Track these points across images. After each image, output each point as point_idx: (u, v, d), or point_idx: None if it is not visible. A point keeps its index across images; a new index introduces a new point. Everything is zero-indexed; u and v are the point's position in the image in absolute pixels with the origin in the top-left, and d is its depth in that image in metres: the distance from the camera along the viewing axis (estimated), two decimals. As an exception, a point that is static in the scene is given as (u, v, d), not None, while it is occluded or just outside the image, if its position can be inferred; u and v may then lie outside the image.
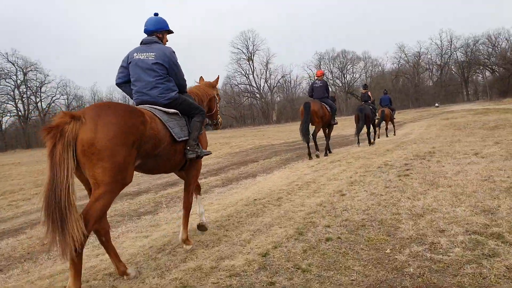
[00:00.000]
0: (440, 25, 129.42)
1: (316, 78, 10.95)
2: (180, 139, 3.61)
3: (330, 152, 11.15)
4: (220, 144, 23.21)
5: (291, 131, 33.29)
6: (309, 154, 10.22)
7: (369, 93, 14.91)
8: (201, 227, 4.29)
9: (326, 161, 9.72)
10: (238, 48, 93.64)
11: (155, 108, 3.58)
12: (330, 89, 10.69)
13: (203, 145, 4.10)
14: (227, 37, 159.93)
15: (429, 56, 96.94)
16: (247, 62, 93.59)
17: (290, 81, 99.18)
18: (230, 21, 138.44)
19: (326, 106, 10.32)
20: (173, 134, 3.52)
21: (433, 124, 24.80)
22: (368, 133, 13.43)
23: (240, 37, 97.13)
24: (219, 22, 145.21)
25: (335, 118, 10.80)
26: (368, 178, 6.75)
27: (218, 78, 4.99)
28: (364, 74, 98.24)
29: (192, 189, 4.14)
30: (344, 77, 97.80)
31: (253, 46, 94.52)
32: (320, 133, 11.37)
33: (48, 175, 2.69)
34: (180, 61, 3.95)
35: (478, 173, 5.89)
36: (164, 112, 3.61)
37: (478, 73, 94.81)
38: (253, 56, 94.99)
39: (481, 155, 7.65)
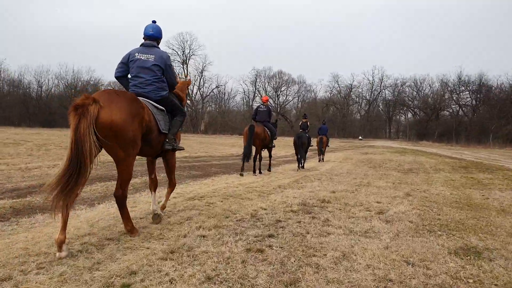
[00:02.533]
0: (374, 62, 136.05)
1: (261, 103, 11.80)
2: (163, 132, 4.34)
3: (269, 170, 11.81)
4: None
5: (211, 144, 30.61)
6: (242, 170, 10.78)
7: (308, 122, 16.26)
8: (156, 218, 4.64)
9: (183, 197, 7.07)
10: (173, 49, 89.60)
11: (148, 102, 4.23)
12: (272, 114, 11.61)
13: (178, 141, 4.82)
14: (164, 37, 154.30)
15: (360, 90, 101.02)
16: (181, 66, 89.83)
17: (224, 92, 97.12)
18: (170, 21, 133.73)
19: (267, 130, 11.07)
20: (159, 126, 4.26)
21: (350, 157, 23.59)
22: (300, 158, 13.97)
23: (177, 38, 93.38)
24: (158, 19, 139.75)
25: (273, 142, 11.51)
26: (203, 245, 4.08)
27: (190, 79, 5.99)
28: (297, 98, 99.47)
29: (173, 175, 5.04)
30: (278, 98, 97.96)
31: (190, 50, 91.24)
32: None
33: (70, 148, 3.24)
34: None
35: (370, 266, 3.44)
36: (154, 106, 4.28)
37: (402, 113, 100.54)
38: (188, 60, 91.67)
39: (385, 217, 5.44)
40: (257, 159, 11.04)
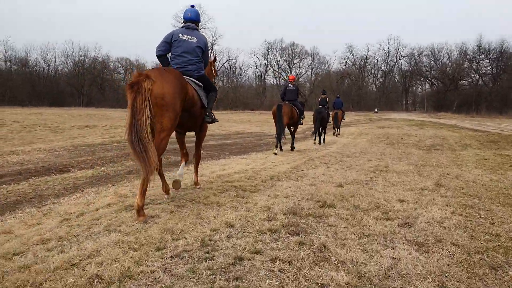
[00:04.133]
0: (389, 31, 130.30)
1: (289, 82, 11.77)
2: (204, 106, 4.76)
3: (293, 148, 11.71)
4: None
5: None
6: (277, 146, 10.89)
7: (327, 98, 16.06)
8: (175, 184, 4.97)
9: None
10: (181, 23, 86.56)
11: (189, 79, 4.58)
12: (301, 92, 11.98)
13: None
14: (171, 10, 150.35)
15: (376, 61, 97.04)
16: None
17: (236, 66, 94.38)
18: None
19: (295, 108, 11.09)
20: (203, 100, 4.72)
21: (365, 132, 21.59)
22: (321, 133, 14.52)
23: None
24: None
25: (301, 120, 11.60)
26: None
27: (215, 57, 6.24)
28: (310, 71, 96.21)
29: (201, 145, 5.36)
30: (291, 71, 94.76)
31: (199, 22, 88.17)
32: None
33: (130, 121, 3.63)
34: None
35: None
36: (195, 83, 4.66)
37: (419, 84, 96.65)
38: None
39: (415, 235, 3.59)
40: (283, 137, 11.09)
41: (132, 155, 3.65)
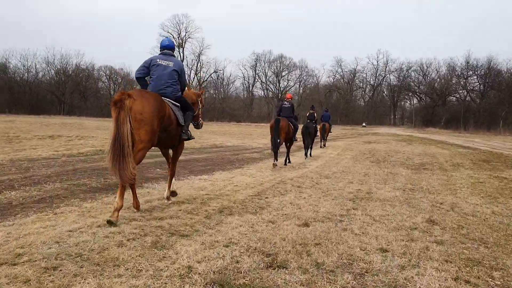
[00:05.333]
0: (378, 46, 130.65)
1: (285, 99, 12.04)
2: (180, 124, 5.18)
3: (289, 162, 12.06)
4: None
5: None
6: (276, 159, 10.93)
7: (315, 113, 16.43)
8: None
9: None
10: (168, 32, 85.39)
11: (167, 100, 5.04)
12: (294, 109, 12.06)
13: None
14: (158, 18, 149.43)
15: (364, 75, 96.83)
16: (177, 49, 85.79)
17: (223, 77, 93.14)
18: (166, 4, 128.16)
19: (291, 124, 11.32)
20: (179, 119, 5.13)
21: (350, 147, 20.36)
22: (309, 147, 14.71)
23: (172, 20, 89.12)
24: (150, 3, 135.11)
25: (295, 136, 11.90)
26: None
27: (203, 91, 7.04)
28: (299, 84, 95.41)
29: (177, 161, 5.77)
30: (279, 83, 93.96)
31: (186, 32, 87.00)
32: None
33: (114, 132, 4.16)
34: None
35: None
36: (172, 103, 5.11)
37: (407, 99, 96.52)
38: (185, 43, 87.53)
39: None
40: (279, 150, 11.27)
41: (110, 162, 4.12)
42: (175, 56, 5.47)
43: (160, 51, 5.40)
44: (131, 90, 4.59)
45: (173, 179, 5.74)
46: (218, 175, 8.47)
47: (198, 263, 3.08)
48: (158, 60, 5.16)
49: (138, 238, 3.63)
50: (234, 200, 5.72)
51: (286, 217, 4.82)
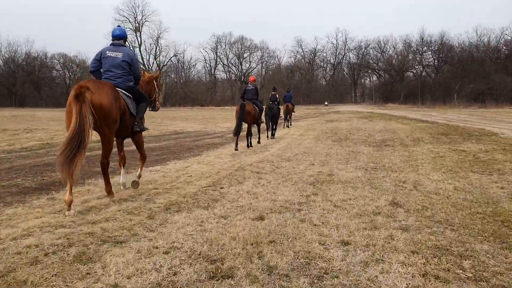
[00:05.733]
0: (337, 24, 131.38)
1: (249, 82, 12.46)
2: (132, 114, 5.21)
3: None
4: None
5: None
6: (237, 144, 11.04)
7: (277, 95, 16.70)
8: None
9: None
10: (124, 16, 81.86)
11: (120, 90, 5.02)
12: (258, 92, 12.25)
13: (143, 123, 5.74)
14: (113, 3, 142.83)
15: (325, 54, 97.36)
16: (134, 34, 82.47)
17: (184, 61, 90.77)
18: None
19: (256, 107, 11.62)
20: (130, 109, 5.14)
21: (312, 127, 20.20)
22: (273, 129, 14.68)
23: (128, 3, 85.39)
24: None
25: (261, 118, 12.21)
26: None
27: (158, 74, 6.79)
28: (261, 65, 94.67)
29: (143, 150, 5.84)
30: (241, 65, 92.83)
31: (142, 16, 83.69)
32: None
33: (74, 126, 4.06)
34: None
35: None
36: (124, 93, 5.09)
37: (367, 76, 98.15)
38: (142, 27, 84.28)
39: None
40: (249, 135, 11.72)
41: (61, 154, 4.00)
42: (126, 46, 5.46)
43: (112, 41, 5.37)
44: (87, 81, 4.54)
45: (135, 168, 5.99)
46: (172, 165, 7.89)
47: (128, 278, 2.57)
48: (107, 52, 5.17)
49: (60, 251, 3.04)
50: (184, 193, 5.20)
51: (240, 210, 4.37)
